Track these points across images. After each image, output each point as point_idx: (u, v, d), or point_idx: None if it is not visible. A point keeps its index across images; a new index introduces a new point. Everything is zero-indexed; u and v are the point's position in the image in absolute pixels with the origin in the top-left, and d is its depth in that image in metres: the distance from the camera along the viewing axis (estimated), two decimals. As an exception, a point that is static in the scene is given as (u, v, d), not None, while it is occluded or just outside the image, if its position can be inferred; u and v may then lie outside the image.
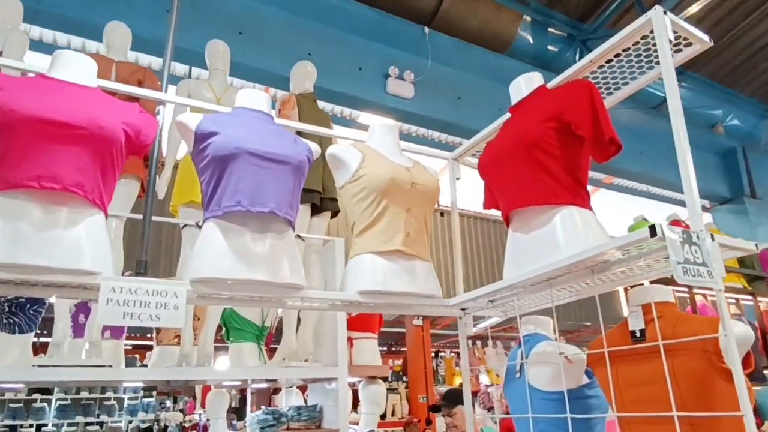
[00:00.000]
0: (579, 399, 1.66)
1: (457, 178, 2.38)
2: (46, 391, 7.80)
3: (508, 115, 1.91)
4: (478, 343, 9.86)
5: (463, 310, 2.06)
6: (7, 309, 2.59)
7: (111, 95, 1.70)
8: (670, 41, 1.47)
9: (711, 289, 1.24)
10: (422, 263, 1.90)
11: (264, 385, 4.17)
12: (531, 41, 6.47)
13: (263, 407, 4.00)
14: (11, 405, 7.53)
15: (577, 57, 6.58)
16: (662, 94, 7.13)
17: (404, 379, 9.24)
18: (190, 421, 9.11)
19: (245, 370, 3.07)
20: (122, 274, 2.62)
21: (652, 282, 1.65)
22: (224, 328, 3.32)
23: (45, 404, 7.80)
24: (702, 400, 1.31)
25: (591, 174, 1.69)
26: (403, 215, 1.86)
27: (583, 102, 1.57)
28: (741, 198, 8.31)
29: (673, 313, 1.50)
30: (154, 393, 8.95)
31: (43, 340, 3.80)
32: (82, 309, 3.10)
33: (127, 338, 3.35)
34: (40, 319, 2.85)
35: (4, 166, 1.40)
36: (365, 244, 1.83)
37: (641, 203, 8.24)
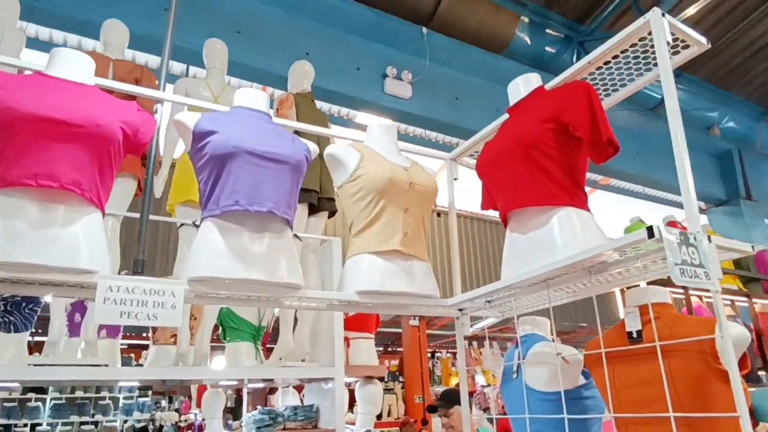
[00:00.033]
0: (576, 399, 1.67)
1: (455, 179, 2.38)
2: (40, 390, 7.77)
3: (506, 116, 1.92)
4: (475, 343, 9.88)
5: (460, 310, 2.06)
6: (2, 308, 2.58)
7: (108, 93, 1.69)
8: (668, 43, 1.48)
9: (707, 291, 1.24)
10: (420, 263, 1.90)
11: (260, 385, 4.16)
12: (528, 42, 6.48)
13: (259, 407, 4.00)
14: (6, 404, 7.50)
15: (575, 58, 6.60)
16: (659, 96, 7.12)
17: (400, 379, 9.25)
18: (186, 420, 9.09)
19: (242, 370, 3.07)
20: (119, 273, 2.61)
21: (648, 283, 1.65)
22: (221, 328, 3.31)
23: (40, 403, 7.77)
24: (698, 401, 1.32)
25: (588, 175, 1.70)
26: (401, 215, 1.86)
27: (582, 103, 1.58)
28: (737, 200, 8.35)
29: (670, 315, 1.50)
30: (150, 392, 8.93)
31: (38, 339, 3.78)
32: (78, 308, 3.09)
33: (123, 337, 3.34)
34: (35, 318, 2.84)
35: (2, 163, 1.40)
36: (363, 244, 1.83)
37: (637, 205, 8.27)
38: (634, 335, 1.51)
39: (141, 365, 7.70)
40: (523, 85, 1.84)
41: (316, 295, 1.81)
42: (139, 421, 8.47)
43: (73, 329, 3.04)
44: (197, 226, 1.68)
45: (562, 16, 6.66)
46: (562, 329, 9.57)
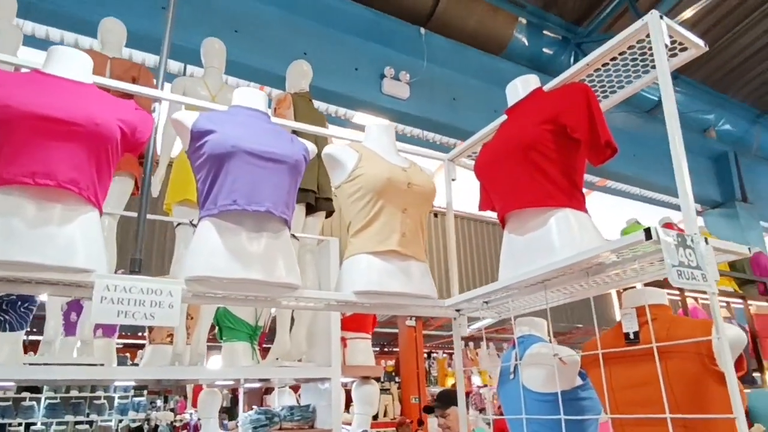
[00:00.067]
0: (572, 400, 1.67)
1: (453, 180, 2.38)
2: (35, 389, 7.73)
3: (504, 117, 1.92)
4: (471, 344, 9.88)
5: (458, 311, 2.06)
6: (-3, 306, 2.57)
7: (106, 92, 1.69)
8: (666, 46, 1.48)
9: (703, 292, 1.25)
10: (418, 264, 1.90)
11: (256, 385, 4.16)
12: (526, 43, 6.49)
13: (255, 407, 3.99)
14: (0, 403, 7.46)
15: (572, 60, 6.61)
16: (656, 98, 7.18)
17: (396, 379, 9.25)
18: (181, 420, 9.07)
19: (238, 370, 3.06)
20: (115, 272, 2.60)
21: (645, 285, 1.66)
22: (217, 328, 3.30)
23: (34, 403, 7.73)
24: (695, 402, 1.33)
25: (584, 176, 1.70)
26: (399, 216, 1.86)
27: (580, 105, 1.58)
28: (732, 202, 8.38)
29: (667, 316, 1.51)
30: (145, 392, 8.90)
31: (34, 338, 3.77)
32: (74, 307, 3.08)
33: (118, 336, 3.33)
34: (31, 317, 2.83)
35: (-1, 162, 1.39)
36: (361, 244, 1.83)
37: (634, 206, 8.30)
38: (631, 336, 1.52)
39: (136, 365, 7.69)
40: (522, 86, 1.85)
41: (314, 295, 1.81)
42: (134, 420, 8.44)
43: (69, 328, 3.03)
44: (194, 226, 1.68)
45: (560, 17, 6.67)
46: (559, 330, 9.60)
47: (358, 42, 5.78)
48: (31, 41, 4.45)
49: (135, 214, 2.57)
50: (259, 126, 1.75)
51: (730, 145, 8.50)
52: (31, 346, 3.54)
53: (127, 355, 9.17)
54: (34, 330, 3.02)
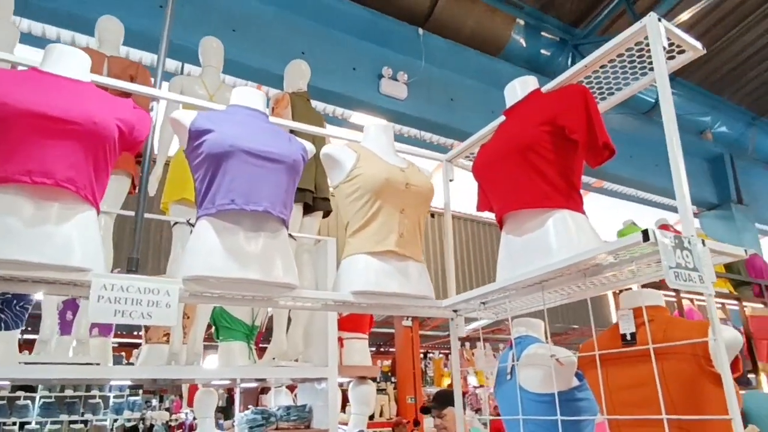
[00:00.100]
0: (569, 401, 1.68)
1: (451, 180, 2.38)
2: (29, 388, 7.69)
3: (502, 118, 1.92)
4: (467, 344, 9.89)
5: (455, 311, 2.07)
6: (-7, 305, 2.56)
7: (104, 90, 1.68)
8: (664, 48, 1.49)
9: (699, 294, 1.25)
10: (415, 264, 1.90)
11: (252, 385, 4.15)
12: (524, 45, 6.50)
13: (251, 407, 3.98)
14: (-6, 402, 7.43)
15: (569, 61, 6.63)
16: (652, 100, 7.21)
17: (393, 379, 9.25)
18: (177, 420, 9.04)
19: (235, 370, 3.06)
20: (111, 271, 2.59)
21: (642, 286, 1.67)
22: (214, 327, 3.30)
23: (29, 402, 7.69)
24: (691, 403, 1.33)
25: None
26: (396, 216, 1.86)
27: (578, 107, 1.59)
28: (728, 204, 8.42)
29: (664, 317, 1.52)
30: (141, 391, 8.87)
31: (29, 336, 3.75)
32: (70, 306, 3.07)
33: (113, 336, 3.31)
34: (26, 316, 2.82)
35: (-4, 160, 1.38)
36: (359, 245, 1.83)
37: (630, 207, 8.32)
38: (628, 337, 1.52)
39: (131, 364, 7.66)
40: (520, 87, 1.85)
41: (312, 295, 1.81)
42: (129, 420, 8.41)
43: (65, 327, 3.02)
44: (191, 225, 1.67)
45: (558, 19, 6.69)
46: (554, 331, 9.62)
47: (356, 42, 5.78)
48: (27, 39, 4.43)
49: (131, 213, 2.57)
50: (258, 125, 1.75)
51: (726, 147, 8.54)
52: (25, 345, 3.53)
53: (123, 354, 9.13)
54: (29, 329, 3.01)
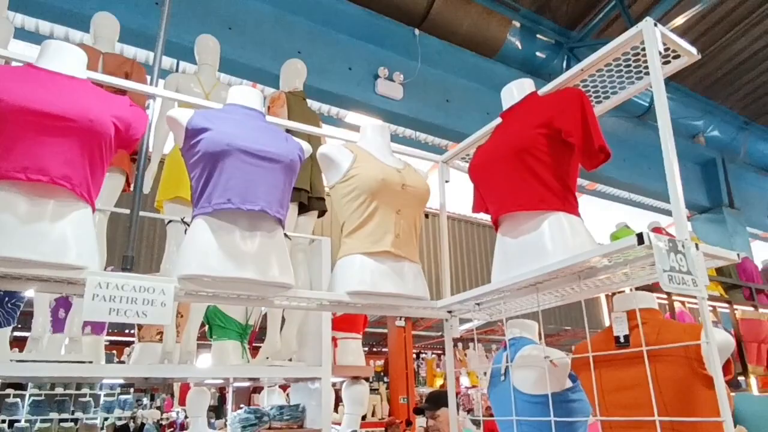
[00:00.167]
0: (562, 402, 1.69)
1: (446, 181, 2.39)
2: (19, 386, 7.63)
3: (499, 120, 1.93)
4: (460, 345, 9.92)
5: (449, 312, 2.07)
6: (-16, 302, 2.54)
7: (100, 87, 1.68)
8: (660, 53, 1.50)
9: (691, 297, 1.27)
10: (411, 265, 1.90)
11: (245, 384, 4.14)
12: (519, 47, 6.53)
13: (243, 406, 3.97)
14: (-16, 400, 7.37)
15: (564, 64, 6.66)
16: (646, 104, 7.25)
17: (385, 379, 9.26)
18: (168, 418, 9.01)
19: (228, 369, 3.05)
20: (104, 269, 2.58)
21: (636, 288, 1.68)
22: (207, 326, 3.28)
23: (18, 400, 7.63)
24: (683, 405, 1.34)
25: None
26: (393, 216, 1.86)
27: (574, 110, 1.60)
28: (720, 207, 8.49)
29: (657, 320, 1.53)
30: (132, 390, 8.82)
31: (21, 334, 3.73)
32: (62, 304, 3.05)
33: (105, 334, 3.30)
34: (18, 313, 2.80)
35: (-9, 156, 1.37)
36: (354, 245, 1.84)
37: (622, 210, 8.37)
38: (622, 340, 1.53)
39: (123, 362, 7.62)
40: (517, 90, 1.86)
41: (307, 294, 1.81)
42: (120, 418, 8.37)
43: (57, 325, 3.00)
44: (186, 223, 1.67)
45: (554, 22, 6.72)
46: (547, 332, 9.63)
47: (352, 42, 5.78)
48: (20, 34, 4.39)
49: (125, 211, 2.55)
50: (255, 124, 1.75)
51: (718, 151, 8.61)
52: (17, 343, 3.50)
53: (114, 352, 9.09)
54: (20, 326, 2.99)
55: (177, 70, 4.89)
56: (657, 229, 4.91)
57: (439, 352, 11.87)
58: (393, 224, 1.86)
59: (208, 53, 3.47)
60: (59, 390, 8.00)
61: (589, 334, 1.55)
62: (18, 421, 7.51)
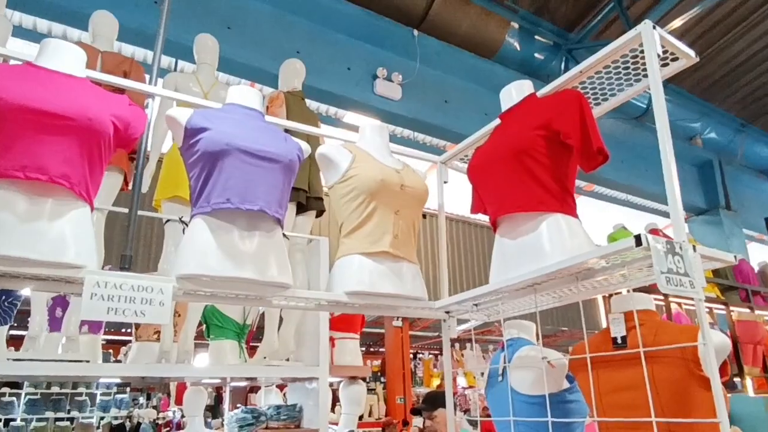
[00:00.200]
0: (560, 403, 1.69)
1: (445, 182, 2.39)
2: (15, 385, 7.61)
3: (498, 122, 1.94)
4: (456, 345, 9.93)
5: (447, 313, 2.08)
6: (-19, 301, 2.54)
7: (99, 86, 1.67)
8: (658, 55, 1.51)
9: (688, 298, 1.27)
10: (409, 265, 1.91)
11: (242, 384, 4.14)
12: (518, 48, 6.54)
13: (240, 405, 3.97)
14: (-21, 399, 7.34)
15: (563, 66, 6.67)
16: (644, 106, 7.27)
17: (382, 379, 9.26)
18: (164, 418, 8.99)
19: (225, 368, 3.04)
20: (102, 268, 2.57)
21: (633, 290, 1.69)
22: (205, 325, 3.28)
23: (14, 398, 7.61)
24: (680, 406, 1.35)
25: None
26: (391, 217, 1.87)
27: (573, 112, 1.60)
28: (716, 209, 8.51)
29: (654, 321, 1.53)
30: (128, 389, 8.80)
31: (18, 332, 3.71)
32: (59, 303, 3.04)
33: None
34: (15, 312, 2.79)
35: (-10, 155, 1.37)
36: (353, 245, 1.84)
37: (619, 211, 8.39)
38: (619, 341, 1.54)
39: (119, 361, 7.60)
40: (516, 91, 1.87)
41: (305, 294, 1.81)
42: (116, 418, 8.34)
43: (54, 324, 2.99)
44: (184, 223, 1.67)
45: (552, 23, 6.73)
46: (544, 333, 9.67)
47: (351, 42, 5.78)
48: (17, 32, 4.37)
49: (123, 210, 2.55)
50: (254, 124, 1.75)
51: (715, 153, 8.63)
52: (13, 341, 3.49)
53: (110, 351, 9.07)
54: (15, 324, 2.98)
55: (175, 69, 4.88)
56: (654, 231, 4.92)
57: (436, 352, 11.88)
58: (391, 225, 1.86)
59: (207, 52, 3.46)
60: (55, 389, 7.97)
61: (587, 335, 1.56)
62: (14, 419, 7.48)
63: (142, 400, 9.86)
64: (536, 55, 6.66)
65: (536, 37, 6.64)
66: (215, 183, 1.59)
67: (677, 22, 6.22)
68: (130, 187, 2.89)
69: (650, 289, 2.40)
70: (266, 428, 3.07)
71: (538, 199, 1.62)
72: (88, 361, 2.47)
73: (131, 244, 2.20)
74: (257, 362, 3.13)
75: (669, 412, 1.34)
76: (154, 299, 1.46)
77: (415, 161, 2.22)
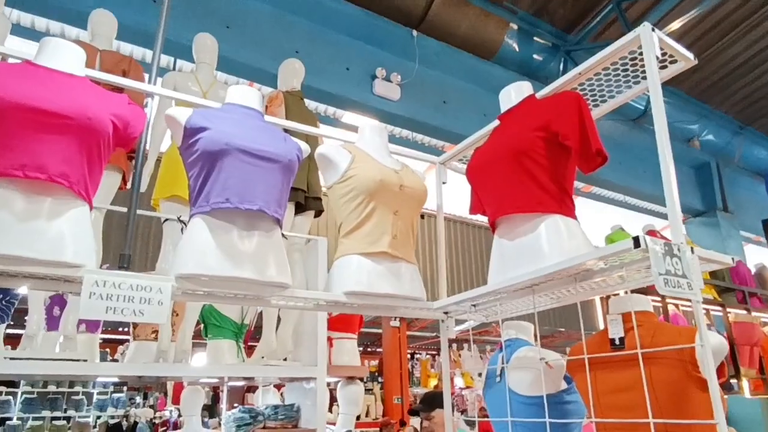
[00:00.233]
0: (557, 404, 1.70)
1: (444, 183, 2.40)
2: (11, 383, 7.59)
3: (496, 123, 1.94)
4: (454, 345, 9.93)
5: (446, 313, 2.08)
6: (-22, 299, 2.53)
7: (98, 85, 1.67)
8: (657, 57, 1.52)
9: (686, 300, 1.28)
10: (408, 266, 1.91)
11: (239, 383, 4.13)
12: (517, 49, 6.54)
13: (237, 405, 3.97)
14: (-25, 397, 7.32)
15: (561, 67, 6.68)
16: (642, 107, 7.29)
17: (379, 379, 9.26)
18: (161, 417, 8.98)
19: (223, 368, 3.04)
20: (100, 267, 2.57)
21: (632, 291, 1.69)
22: (202, 325, 3.28)
23: (10, 397, 7.59)
24: (677, 407, 1.36)
25: (572, 183, 1.73)
26: (390, 217, 1.87)
27: (572, 113, 1.61)
28: (714, 211, 8.53)
29: (652, 323, 1.54)
30: (125, 388, 8.79)
31: (15, 331, 3.70)
32: (57, 301, 3.04)
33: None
34: (12, 311, 2.79)
35: (-12, 153, 1.37)
36: (352, 245, 1.84)
37: (616, 212, 8.41)
38: (617, 342, 1.54)
39: (116, 360, 7.59)
40: (515, 93, 1.87)
41: (304, 294, 1.81)
42: (113, 417, 8.33)
43: (52, 323, 2.98)
44: (183, 222, 1.67)
45: (551, 25, 6.74)
46: (542, 333, 9.67)
47: (350, 42, 5.78)
48: (15, 30, 4.36)
49: (122, 209, 2.54)
50: (254, 124, 1.75)
51: (713, 155, 8.66)
52: (9, 340, 3.48)
53: (107, 350, 9.06)
54: (12, 323, 2.97)
55: (174, 68, 4.87)
56: (651, 232, 4.93)
57: (434, 352, 11.88)
58: (390, 225, 1.86)
59: (206, 52, 3.46)
60: (52, 388, 7.95)
61: (585, 335, 1.56)
62: (10, 418, 7.46)
63: (138, 399, 9.85)
64: (535, 56, 6.67)
65: (535, 38, 6.65)
66: (214, 182, 1.59)
67: (675, 24, 6.23)
68: (128, 186, 2.89)
69: (648, 291, 2.41)
70: (264, 428, 3.07)
71: (537, 200, 1.62)
72: (85, 360, 2.47)
73: (130, 243, 2.20)
74: (255, 362, 3.13)
75: (666, 413, 1.34)
76: (152, 299, 1.46)
77: (413, 162, 2.22)
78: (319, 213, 3.49)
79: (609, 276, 1.53)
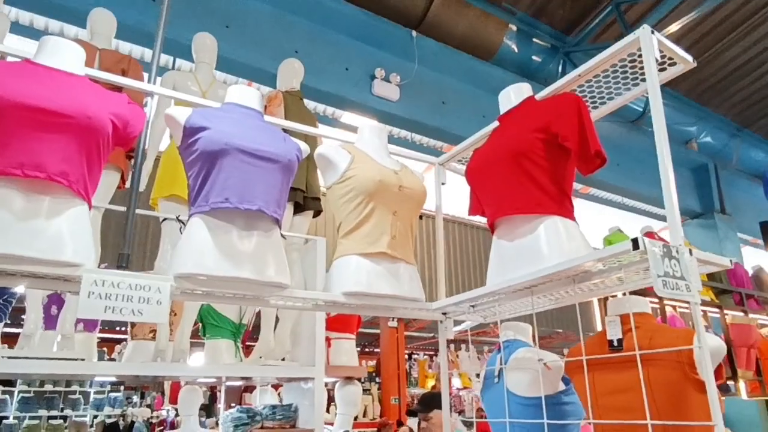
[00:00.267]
0: (555, 405, 1.69)
1: (443, 183, 2.40)
2: (8, 383, 7.58)
3: (496, 124, 1.94)
4: (451, 346, 9.93)
5: (444, 314, 2.08)
6: (-24, 298, 2.53)
7: (98, 84, 1.67)
8: (656, 60, 1.52)
9: (684, 302, 1.28)
10: (407, 266, 1.91)
11: (237, 383, 4.13)
12: (516, 50, 6.56)
13: (234, 405, 3.96)
14: (-28, 397, 7.31)
15: (560, 68, 6.69)
16: (640, 109, 7.30)
17: (377, 380, 9.26)
18: (158, 417, 8.97)
19: (221, 367, 3.04)
20: (98, 266, 2.56)
21: (630, 293, 1.70)
22: (200, 324, 3.28)
23: (7, 396, 7.58)
24: (675, 409, 1.36)
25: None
26: (389, 218, 1.87)
27: (571, 115, 1.61)
28: (711, 213, 8.55)
29: (650, 324, 1.54)
30: (122, 388, 8.78)
31: (12, 330, 3.69)
32: (55, 300, 3.04)
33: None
34: (9, 310, 2.78)
35: (-13, 152, 1.37)
36: (351, 246, 1.84)
37: (614, 214, 8.42)
38: (615, 343, 1.55)
39: (113, 359, 7.57)
40: (515, 94, 1.87)
41: (303, 294, 1.81)
42: (109, 416, 8.32)
43: (49, 322, 2.98)
44: (181, 222, 1.67)
45: (550, 26, 6.76)
46: (539, 334, 9.65)
47: (349, 42, 5.79)
48: (14, 28, 4.35)
49: (121, 208, 2.54)
50: (253, 124, 1.75)
51: (711, 157, 8.68)
52: (6, 339, 3.47)
53: (104, 349, 9.04)
54: (9, 322, 2.97)
55: (173, 68, 4.87)
56: (649, 234, 4.94)
57: (431, 353, 11.89)
58: (389, 225, 1.86)
59: (206, 51, 3.46)
60: (48, 387, 7.94)
61: (583, 337, 1.57)
62: (6, 417, 7.45)
63: (135, 398, 9.84)
64: (534, 57, 6.68)
65: (534, 39, 6.67)
66: (214, 182, 1.59)
67: (674, 27, 6.25)
68: (127, 185, 2.88)
69: (646, 292, 2.41)
70: (261, 428, 3.07)
71: (536, 202, 1.63)
72: (83, 360, 2.47)
73: (129, 243, 2.20)
74: (253, 362, 3.12)
75: (664, 414, 1.35)
76: (151, 298, 1.46)
77: (412, 162, 2.23)
78: (317, 213, 3.48)
79: (607, 277, 1.54)
